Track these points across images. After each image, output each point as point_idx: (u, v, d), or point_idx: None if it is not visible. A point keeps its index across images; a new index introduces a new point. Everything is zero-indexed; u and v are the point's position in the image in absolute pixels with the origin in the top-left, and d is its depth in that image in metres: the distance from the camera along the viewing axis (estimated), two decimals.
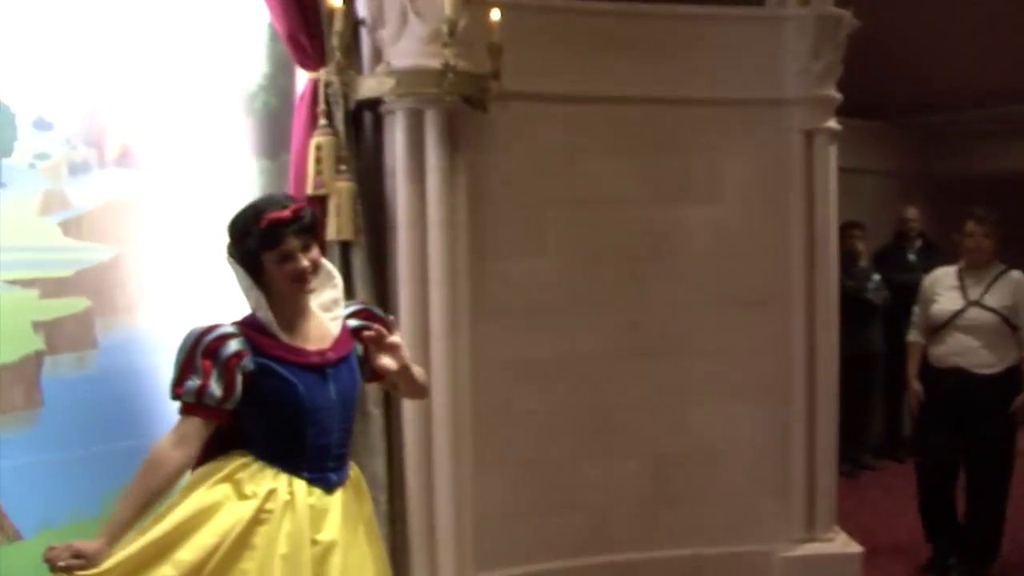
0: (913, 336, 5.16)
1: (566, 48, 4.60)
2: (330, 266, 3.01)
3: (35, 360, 3.50)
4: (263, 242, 2.72)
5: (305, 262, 2.76)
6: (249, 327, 2.78)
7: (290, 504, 2.75)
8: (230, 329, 2.76)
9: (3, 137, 3.42)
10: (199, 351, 2.70)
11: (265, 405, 2.79)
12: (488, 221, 4.53)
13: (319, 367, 2.82)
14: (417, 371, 3.07)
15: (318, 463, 2.83)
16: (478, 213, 4.41)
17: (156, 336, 3.76)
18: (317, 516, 2.79)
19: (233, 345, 2.72)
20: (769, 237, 4.94)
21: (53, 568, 2.54)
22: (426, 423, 4.18)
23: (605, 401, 4.86)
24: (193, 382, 2.69)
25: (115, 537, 2.63)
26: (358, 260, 4.12)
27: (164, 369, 3.67)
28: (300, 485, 2.79)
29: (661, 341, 4.90)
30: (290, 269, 2.74)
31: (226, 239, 2.82)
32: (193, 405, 2.71)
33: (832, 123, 4.94)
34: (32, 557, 3.39)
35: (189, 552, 2.65)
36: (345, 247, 4.10)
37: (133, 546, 2.62)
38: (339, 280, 3.02)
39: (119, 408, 3.70)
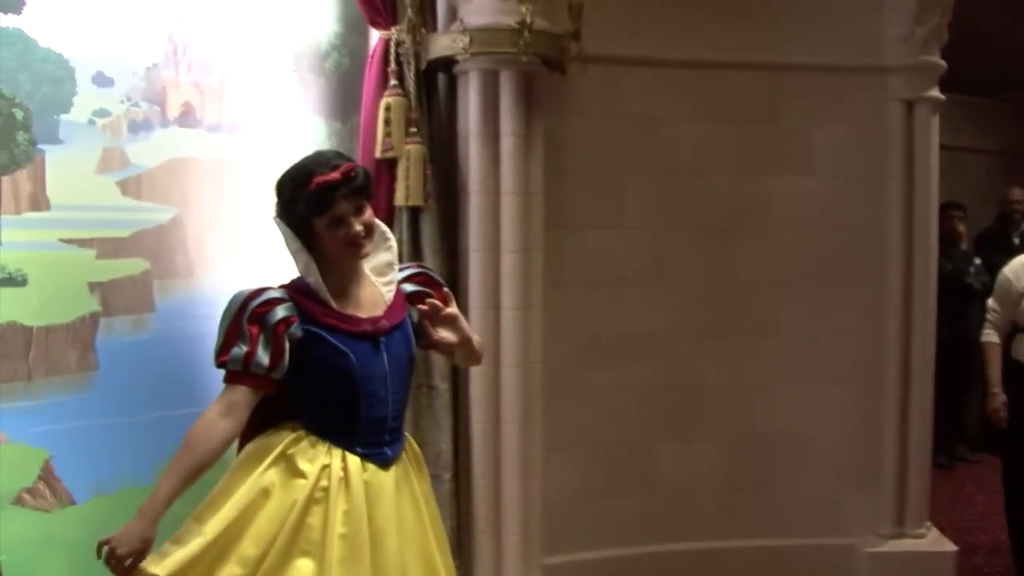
0: (990, 335, 4.64)
1: (651, 9, 4.39)
2: (384, 227, 2.83)
3: (90, 322, 3.40)
4: (312, 206, 2.55)
5: (358, 226, 2.58)
6: (298, 292, 2.62)
7: (344, 481, 2.61)
8: (278, 293, 2.60)
9: (62, 92, 3.31)
10: (245, 316, 2.55)
11: (314, 376, 2.63)
12: (565, 189, 4.35)
13: (372, 336, 2.65)
14: (476, 340, 2.89)
15: (372, 437, 2.67)
16: (554, 181, 4.22)
17: (216, 301, 3.63)
18: (373, 493, 2.64)
19: (281, 311, 2.56)
20: (864, 212, 4.67)
21: (116, 571, 2.41)
22: (494, 399, 4.02)
23: (684, 381, 4.65)
24: (240, 349, 2.54)
25: (161, 511, 2.48)
26: (427, 227, 3.97)
27: None
28: (354, 461, 2.63)
29: (745, 319, 4.68)
30: (342, 234, 2.57)
31: (274, 200, 2.67)
32: (239, 373, 2.55)
33: (935, 92, 4.64)
34: (85, 522, 3.34)
35: (251, 545, 2.53)
36: (414, 213, 3.95)
37: (196, 548, 2.49)
38: (393, 243, 2.83)
39: (176, 374, 3.59)
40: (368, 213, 2.64)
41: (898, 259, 4.65)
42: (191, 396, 3.57)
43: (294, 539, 2.55)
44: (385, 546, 2.63)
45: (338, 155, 2.66)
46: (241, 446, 2.73)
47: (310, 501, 2.57)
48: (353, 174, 2.58)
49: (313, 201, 2.53)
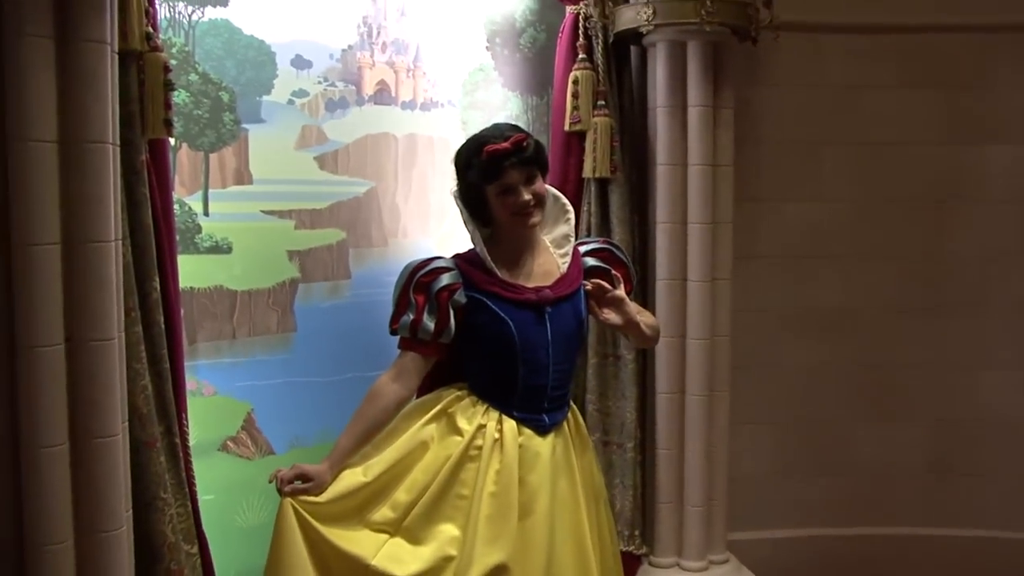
0: None
1: None
2: (564, 200, 2.93)
3: (290, 287, 3.68)
4: (484, 174, 2.70)
5: (527, 195, 2.70)
6: (466, 261, 2.78)
7: (499, 443, 2.75)
8: (444, 263, 2.77)
9: (264, 76, 3.58)
10: (412, 286, 2.74)
11: (478, 341, 2.78)
12: (757, 161, 4.30)
13: (535, 304, 2.76)
14: (647, 323, 2.93)
15: (531, 403, 2.79)
16: (745, 152, 4.15)
17: None
18: (527, 457, 2.76)
19: (445, 279, 2.73)
20: None
21: (280, 490, 2.67)
22: (680, 371, 4.01)
23: (885, 359, 4.50)
24: (407, 317, 2.73)
25: (337, 463, 2.74)
26: (615, 198, 3.99)
27: None
28: (510, 424, 2.77)
29: (952, 296, 4.47)
30: (510, 202, 2.70)
31: (453, 172, 2.83)
32: (408, 340, 2.76)
33: None
34: None
35: (405, 492, 2.72)
36: (603, 184, 4.00)
37: (353, 484, 2.71)
38: (572, 215, 2.93)
39: (369, 337, 3.78)
40: (539, 183, 2.75)
41: None
42: (384, 358, 3.75)
43: (445, 492, 2.71)
44: (535, 510, 2.73)
45: (513, 127, 2.79)
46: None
47: (464, 458, 2.73)
48: (524, 144, 2.70)
49: (485, 169, 2.69)
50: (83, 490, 2.41)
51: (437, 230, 4.01)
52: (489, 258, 2.76)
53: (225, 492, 3.49)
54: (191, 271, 3.33)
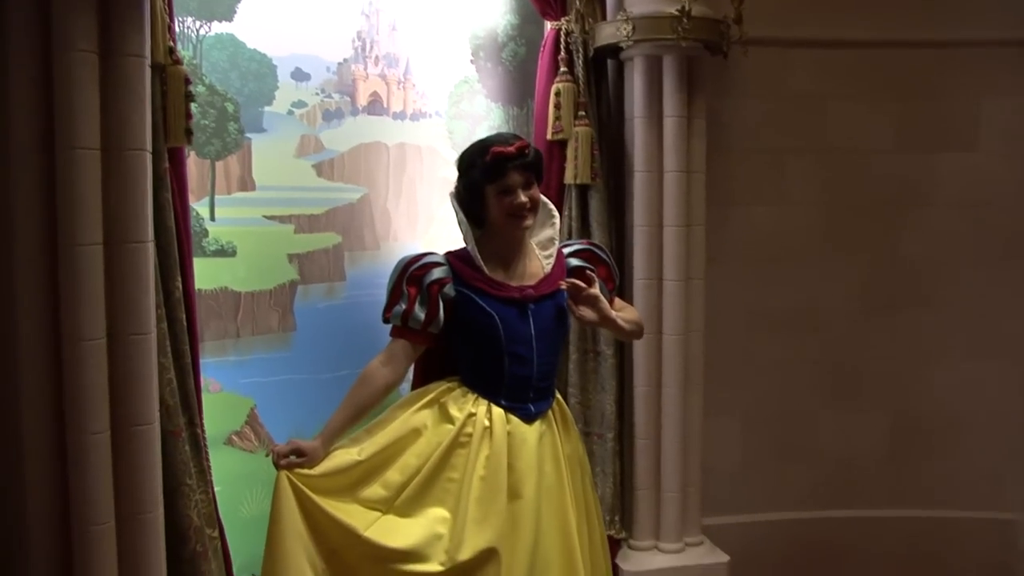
0: None
1: None
2: (551, 207, 3.13)
3: (289, 289, 3.85)
4: (487, 173, 2.90)
5: (523, 198, 2.91)
6: (457, 258, 2.98)
7: (488, 430, 2.93)
8: (436, 258, 2.97)
9: (265, 87, 3.76)
10: (405, 278, 2.93)
11: (467, 333, 2.98)
12: (728, 168, 4.52)
13: (519, 301, 2.96)
14: (626, 319, 3.12)
15: (517, 393, 2.98)
16: (717, 159, 4.38)
17: None
18: (515, 443, 2.94)
19: (436, 273, 2.92)
20: None
21: (276, 463, 2.84)
22: (656, 366, 4.23)
23: (846, 354, 4.75)
24: (400, 307, 2.93)
25: (328, 440, 2.92)
26: (595, 203, 4.20)
27: None
28: (498, 412, 2.95)
29: (907, 294, 4.74)
30: (508, 202, 2.90)
31: (454, 174, 3.02)
32: (399, 328, 2.95)
33: None
34: None
35: (397, 473, 2.90)
36: (583, 190, 4.19)
37: (347, 461, 2.88)
38: (557, 220, 3.13)
39: (364, 336, 3.96)
40: (535, 189, 2.96)
41: None
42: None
43: (436, 475, 2.89)
44: (523, 494, 2.91)
45: (515, 136, 3.01)
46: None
47: (455, 444, 2.91)
48: (527, 151, 2.92)
49: (488, 169, 2.89)
50: (123, 475, 2.57)
51: (425, 234, 4.20)
52: (479, 256, 2.95)
53: (230, 484, 3.64)
54: (198, 273, 3.46)
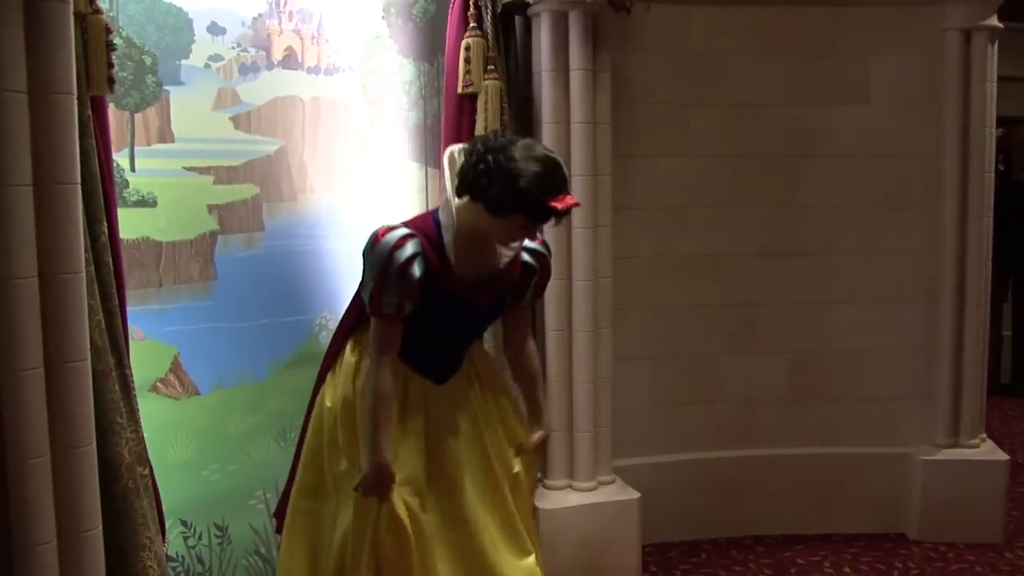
0: None
1: None
2: None
3: (210, 239, 3.91)
4: (529, 212, 2.80)
5: (527, 237, 3.01)
6: (429, 242, 2.93)
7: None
8: (415, 248, 2.91)
9: (182, 41, 3.80)
10: (393, 271, 2.88)
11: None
12: (632, 120, 4.69)
13: (468, 303, 3.04)
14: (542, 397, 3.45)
15: (432, 365, 3.13)
16: (621, 112, 4.54)
17: (316, 222, 4.16)
18: (429, 393, 3.12)
19: (417, 269, 2.90)
20: (920, 139, 4.89)
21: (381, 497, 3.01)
22: (567, 311, 4.40)
23: (748, 298, 4.99)
24: (392, 299, 2.91)
25: (384, 454, 2.99)
26: None
27: (323, 253, 4.11)
28: (413, 374, 3.10)
29: (806, 241, 4.98)
30: (521, 235, 2.95)
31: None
32: (392, 316, 2.95)
33: (993, 21, 4.78)
34: (207, 410, 3.89)
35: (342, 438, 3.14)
36: None
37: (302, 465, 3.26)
38: None
39: (283, 285, 4.10)
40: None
41: (954, 186, 4.84)
42: (296, 305, 4.13)
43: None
44: (437, 439, 3.11)
45: (566, 181, 2.84)
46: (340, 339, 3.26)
47: None
48: (571, 210, 2.85)
49: (534, 211, 2.80)
50: (57, 410, 2.63)
51: (340, 186, 4.29)
52: (454, 254, 2.95)
53: (155, 431, 3.67)
54: (120, 224, 3.50)
